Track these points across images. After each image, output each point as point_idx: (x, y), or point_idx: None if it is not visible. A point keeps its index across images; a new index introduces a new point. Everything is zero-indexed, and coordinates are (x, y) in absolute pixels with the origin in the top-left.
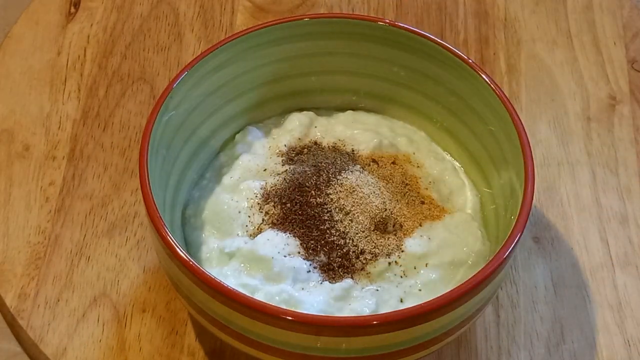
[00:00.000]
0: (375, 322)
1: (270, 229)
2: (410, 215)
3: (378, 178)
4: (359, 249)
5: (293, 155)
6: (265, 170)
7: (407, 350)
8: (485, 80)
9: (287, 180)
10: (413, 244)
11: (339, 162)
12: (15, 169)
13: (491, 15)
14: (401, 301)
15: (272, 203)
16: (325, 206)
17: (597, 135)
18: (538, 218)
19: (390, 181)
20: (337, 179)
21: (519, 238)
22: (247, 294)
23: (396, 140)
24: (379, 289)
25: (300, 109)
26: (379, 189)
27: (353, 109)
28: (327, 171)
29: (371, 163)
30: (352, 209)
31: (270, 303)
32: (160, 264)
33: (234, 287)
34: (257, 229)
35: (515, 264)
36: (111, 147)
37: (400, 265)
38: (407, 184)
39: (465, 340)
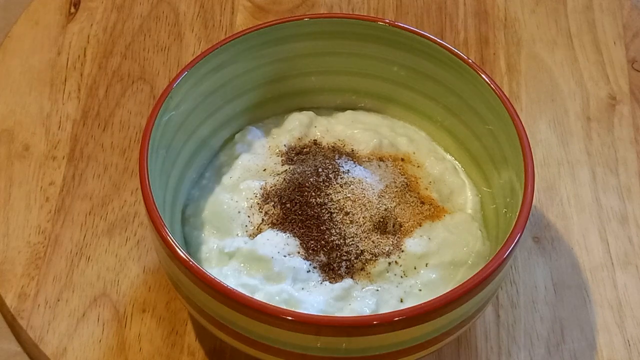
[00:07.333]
0: (375, 322)
1: (270, 229)
2: (410, 215)
3: (378, 178)
4: (359, 249)
5: (293, 155)
6: (265, 170)
7: (407, 350)
8: (485, 80)
9: (287, 180)
10: (413, 244)
11: (339, 162)
12: (15, 169)
13: (491, 15)
14: (401, 301)
15: (272, 203)
16: (325, 206)
17: (597, 135)
18: (538, 218)
19: (390, 181)
20: (337, 179)
21: (519, 238)
22: (247, 294)
23: (396, 140)
24: (379, 289)
25: (300, 109)
26: (379, 189)
27: (353, 109)
28: (327, 171)
29: (371, 163)
30: (352, 209)
31: (270, 303)
32: (160, 264)
33: (234, 287)
34: (257, 229)
35: (515, 264)
36: (111, 147)
37: (400, 265)
38: (407, 184)
39: (465, 340)
